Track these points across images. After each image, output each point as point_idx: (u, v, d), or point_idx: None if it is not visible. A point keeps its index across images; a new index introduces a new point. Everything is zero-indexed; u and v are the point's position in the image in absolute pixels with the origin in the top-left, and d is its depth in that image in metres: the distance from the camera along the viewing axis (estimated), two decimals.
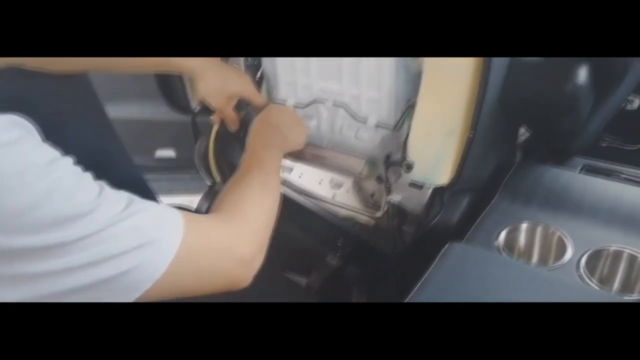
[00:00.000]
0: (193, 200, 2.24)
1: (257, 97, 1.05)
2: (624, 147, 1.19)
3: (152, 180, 1.62)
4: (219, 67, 0.99)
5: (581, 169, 1.00)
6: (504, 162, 0.99)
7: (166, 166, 2.06)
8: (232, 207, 0.71)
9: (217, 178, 1.24)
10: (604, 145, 1.20)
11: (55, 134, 0.92)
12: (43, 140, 0.54)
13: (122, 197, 0.56)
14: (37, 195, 0.48)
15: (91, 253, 0.50)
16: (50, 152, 0.52)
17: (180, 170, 2.08)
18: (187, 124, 1.69)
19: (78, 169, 0.54)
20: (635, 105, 1.11)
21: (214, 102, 1.02)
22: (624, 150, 1.19)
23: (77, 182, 0.52)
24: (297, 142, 0.99)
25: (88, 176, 0.55)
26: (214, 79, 0.97)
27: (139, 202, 0.56)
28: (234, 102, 1.06)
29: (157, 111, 1.85)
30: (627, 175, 0.97)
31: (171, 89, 1.79)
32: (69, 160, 0.54)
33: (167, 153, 1.99)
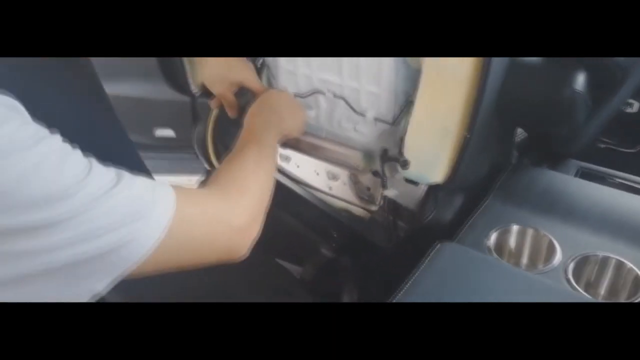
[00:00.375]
0: (191, 179, 2.26)
1: (258, 85, 1.05)
2: (620, 149, 1.20)
3: (151, 158, 1.64)
4: None
5: (576, 173, 1.00)
6: (499, 162, 1.00)
7: (165, 145, 2.06)
8: (226, 179, 0.71)
9: (215, 163, 1.25)
10: (601, 146, 1.21)
11: (48, 109, 0.93)
12: (32, 119, 0.53)
13: (112, 172, 0.55)
14: (23, 174, 0.48)
15: (82, 230, 0.51)
16: (36, 130, 0.52)
17: (179, 150, 2.09)
18: (187, 104, 1.70)
19: (66, 146, 0.53)
20: (635, 108, 1.11)
21: (216, 88, 1.02)
22: (621, 153, 1.20)
23: (64, 160, 0.52)
24: (295, 127, 0.99)
25: (76, 153, 0.54)
26: (217, 66, 0.97)
27: (129, 177, 0.56)
28: (235, 89, 1.06)
29: (157, 90, 1.84)
30: (622, 179, 0.98)
31: (172, 69, 1.78)
32: (56, 138, 0.53)
33: (166, 132, 1.99)
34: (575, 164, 1.03)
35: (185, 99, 1.67)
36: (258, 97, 0.99)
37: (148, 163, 1.21)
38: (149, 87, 1.85)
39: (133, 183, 0.56)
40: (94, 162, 0.55)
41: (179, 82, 1.76)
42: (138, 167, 1.12)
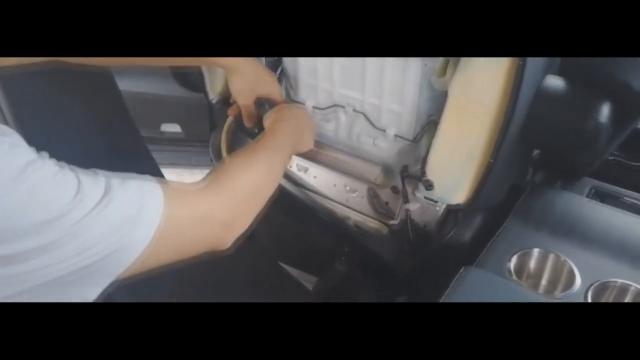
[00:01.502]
0: (194, 173, 2.27)
1: (280, 99, 1.07)
2: (630, 163, 1.22)
3: (157, 151, 1.64)
4: (255, 65, 0.99)
5: (590, 191, 1.03)
6: (517, 182, 1.02)
7: (171, 139, 2.07)
8: (222, 173, 0.73)
9: None
10: (610, 159, 1.23)
11: (66, 111, 0.93)
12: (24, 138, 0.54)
13: (100, 183, 0.56)
14: (15, 204, 0.49)
15: (74, 245, 0.52)
16: (24, 155, 0.52)
17: (184, 144, 2.10)
18: (194, 100, 1.70)
19: (54, 168, 0.54)
20: None
21: (242, 99, 1.02)
22: (630, 166, 1.22)
23: (53, 183, 0.53)
24: (307, 143, 1.01)
25: (64, 172, 0.55)
26: (249, 77, 0.98)
27: (117, 185, 0.57)
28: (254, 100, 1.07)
29: (164, 86, 1.85)
30: (635, 199, 1.00)
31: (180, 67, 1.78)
32: (44, 160, 0.54)
33: (172, 127, 2.00)
34: (589, 182, 1.06)
35: (192, 95, 1.69)
36: (280, 107, 1.00)
37: (155, 156, 1.23)
38: (155, 84, 1.85)
39: (121, 191, 0.57)
40: (82, 176, 0.56)
41: (187, 78, 1.77)
42: (146, 162, 1.13)
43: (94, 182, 0.56)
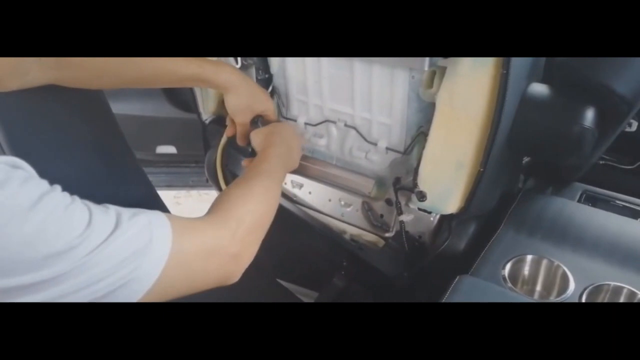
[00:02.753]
0: (191, 194, 2.27)
1: (274, 116, 1.08)
2: (619, 166, 1.23)
3: (153, 174, 1.64)
4: (249, 84, 1.00)
5: (581, 196, 1.04)
6: (508, 189, 1.03)
7: (166, 160, 2.08)
8: (227, 205, 0.74)
9: (224, 188, 1.27)
10: (600, 163, 1.24)
11: (61, 134, 0.94)
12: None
13: (111, 216, 0.57)
14: (29, 236, 0.50)
15: (84, 277, 0.53)
16: (38, 187, 0.54)
17: (181, 165, 2.11)
18: (188, 121, 1.71)
19: (65, 200, 0.55)
20: (633, 127, 1.15)
21: (238, 117, 1.04)
22: (620, 169, 1.23)
23: (66, 215, 0.54)
24: (295, 162, 1.03)
25: (76, 203, 0.56)
26: (244, 96, 0.99)
27: (127, 217, 0.58)
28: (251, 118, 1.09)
29: (160, 109, 1.86)
30: (625, 202, 1.02)
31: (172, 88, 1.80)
32: (57, 191, 0.55)
33: (167, 149, 2.01)
34: (580, 187, 1.07)
35: (185, 116, 1.70)
36: (268, 130, 1.01)
37: (151, 178, 1.23)
38: (149, 106, 1.86)
39: (131, 224, 0.58)
40: (93, 208, 0.57)
41: (178, 99, 1.78)
42: (141, 184, 1.14)
43: (105, 216, 0.57)
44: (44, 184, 0.55)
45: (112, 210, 0.59)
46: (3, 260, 0.50)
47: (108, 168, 1.05)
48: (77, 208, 0.56)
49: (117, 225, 0.57)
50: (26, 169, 0.55)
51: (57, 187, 0.56)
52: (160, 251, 0.59)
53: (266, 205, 0.79)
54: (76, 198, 0.57)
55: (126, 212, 0.59)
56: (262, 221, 0.78)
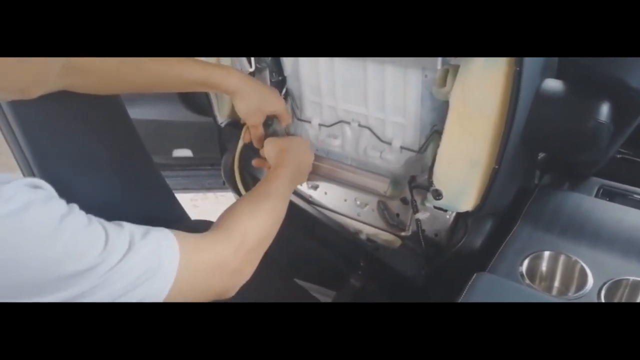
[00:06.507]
0: (207, 196, 2.29)
1: (287, 117, 1.09)
2: (637, 159, 1.22)
3: (170, 177, 1.66)
4: (258, 86, 1.01)
5: (598, 190, 1.03)
6: (524, 185, 1.03)
7: (182, 164, 2.10)
8: (229, 222, 0.77)
9: (242, 192, 1.28)
10: (617, 156, 1.23)
11: (81, 137, 0.95)
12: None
13: (125, 237, 0.59)
14: (52, 257, 0.52)
15: (100, 296, 0.56)
16: (59, 208, 0.55)
17: (197, 168, 2.13)
18: (204, 125, 1.73)
19: (84, 220, 0.57)
20: None
21: (251, 120, 1.05)
22: (638, 163, 1.22)
23: (85, 237, 0.56)
24: (304, 178, 1.06)
25: (93, 223, 0.58)
26: (253, 98, 1.00)
27: (139, 238, 0.61)
28: (264, 119, 1.10)
29: (176, 113, 1.88)
30: None
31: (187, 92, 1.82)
32: (75, 213, 0.57)
33: (184, 152, 2.03)
34: (597, 181, 1.06)
35: (201, 119, 1.72)
36: (280, 148, 1.02)
37: (168, 182, 1.25)
38: (165, 110, 1.88)
39: (143, 244, 0.61)
40: (108, 227, 0.59)
41: (194, 102, 1.80)
42: (162, 189, 1.16)
43: (119, 234, 0.59)
44: (62, 204, 0.57)
45: (126, 229, 0.61)
46: (33, 279, 0.52)
47: (129, 175, 1.07)
48: (94, 228, 0.58)
49: (131, 244, 0.59)
50: (46, 189, 0.57)
51: (75, 207, 0.59)
52: (169, 268, 0.62)
53: (270, 226, 0.82)
54: (92, 217, 0.59)
55: (138, 230, 0.62)
56: (265, 240, 0.81)
